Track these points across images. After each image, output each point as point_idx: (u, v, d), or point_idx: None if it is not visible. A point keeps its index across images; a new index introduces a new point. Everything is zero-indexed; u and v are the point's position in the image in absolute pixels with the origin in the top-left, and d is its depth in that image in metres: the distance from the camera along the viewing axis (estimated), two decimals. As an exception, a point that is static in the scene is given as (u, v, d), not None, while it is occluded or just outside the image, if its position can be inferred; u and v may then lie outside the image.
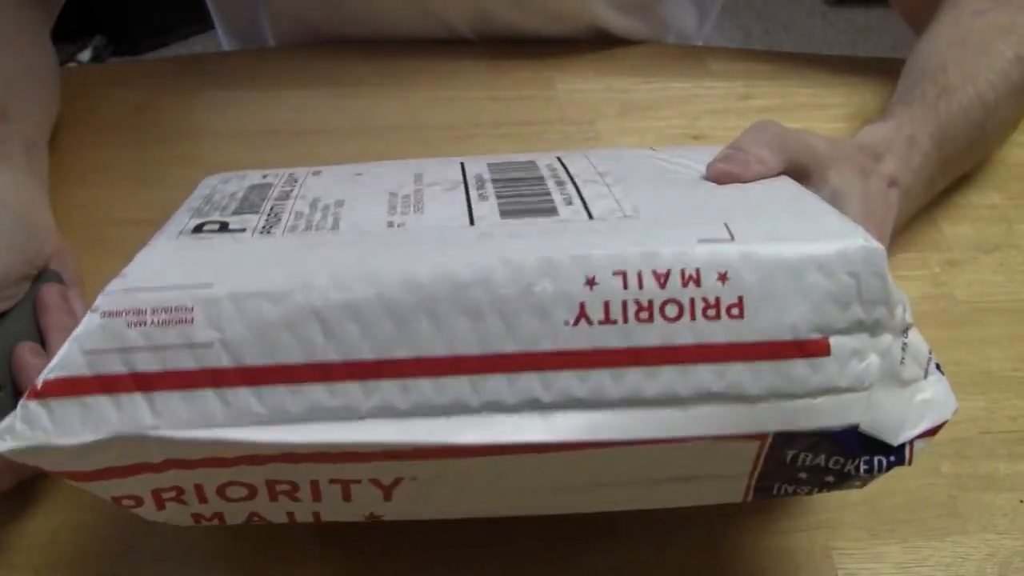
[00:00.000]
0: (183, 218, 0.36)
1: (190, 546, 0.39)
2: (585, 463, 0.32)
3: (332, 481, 0.32)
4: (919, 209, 0.51)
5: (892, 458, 0.33)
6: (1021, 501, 0.41)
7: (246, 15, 0.73)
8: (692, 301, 0.31)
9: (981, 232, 0.54)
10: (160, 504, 0.33)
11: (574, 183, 0.38)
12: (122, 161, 0.58)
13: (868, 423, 0.32)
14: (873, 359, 0.32)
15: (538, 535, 0.39)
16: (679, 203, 0.36)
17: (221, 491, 0.32)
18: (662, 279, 0.31)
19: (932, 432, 0.33)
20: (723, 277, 0.31)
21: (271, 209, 0.37)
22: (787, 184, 0.39)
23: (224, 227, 0.35)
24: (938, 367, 0.34)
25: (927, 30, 0.57)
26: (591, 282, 0.31)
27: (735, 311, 0.31)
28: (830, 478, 0.33)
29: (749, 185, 0.37)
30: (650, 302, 0.31)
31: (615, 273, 0.31)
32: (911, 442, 0.33)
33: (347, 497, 0.33)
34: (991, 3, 0.55)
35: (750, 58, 0.69)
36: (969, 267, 0.52)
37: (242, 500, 0.32)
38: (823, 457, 0.32)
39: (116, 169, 0.58)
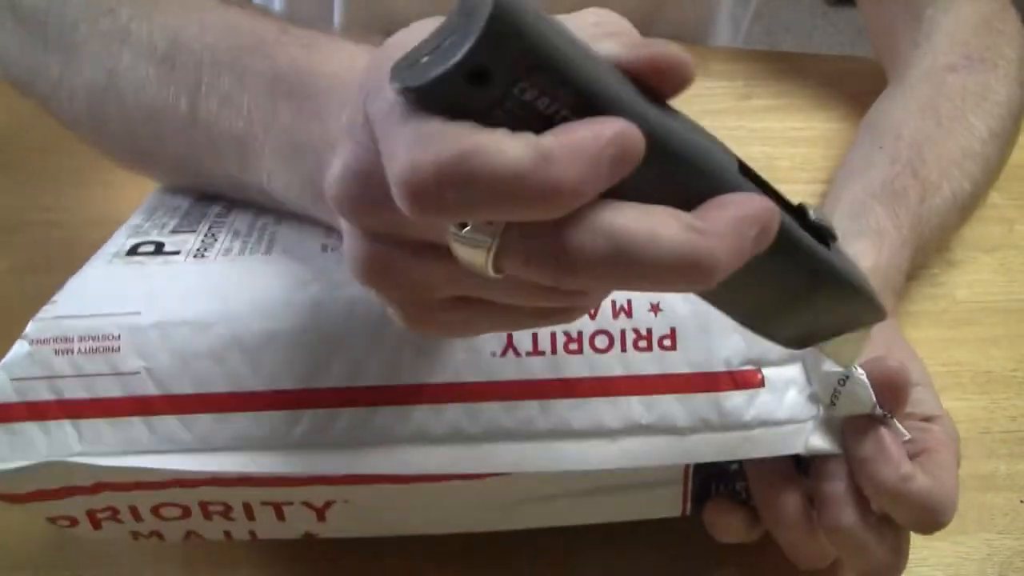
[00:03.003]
0: (121, 237, 0.36)
1: (192, 546, 0.39)
2: (514, 483, 0.32)
3: (264, 503, 0.32)
4: None
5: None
6: (1021, 501, 0.41)
7: (315, 8, 0.72)
8: (623, 332, 0.31)
9: (981, 232, 0.54)
10: (96, 524, 0.33)
11: None
12: (122, 161, 0.58)
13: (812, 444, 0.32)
14: (815, 388, 0.32)
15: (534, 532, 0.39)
16: None
17: (155, 511, 0.32)
18: (592, 310, 0.31)
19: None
20: (656, 308, 0.31)
21: (209, 228, 0.36)
22: None
23: (159, 248, 0.34)
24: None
25: (899, 80, 0.54)
26: None
27: (667, 342, 0.31)
28: None
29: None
30: (579, 333, 0.31)
31: None
32: None
33: (281, 517, 0.33)
34: (964, 60, 0.53)
35: (750, 58, 0.69)
36: (969, 267, 0.52)
37: (177, 519, 0.33)
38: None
39: (116, 169, 0.57)
